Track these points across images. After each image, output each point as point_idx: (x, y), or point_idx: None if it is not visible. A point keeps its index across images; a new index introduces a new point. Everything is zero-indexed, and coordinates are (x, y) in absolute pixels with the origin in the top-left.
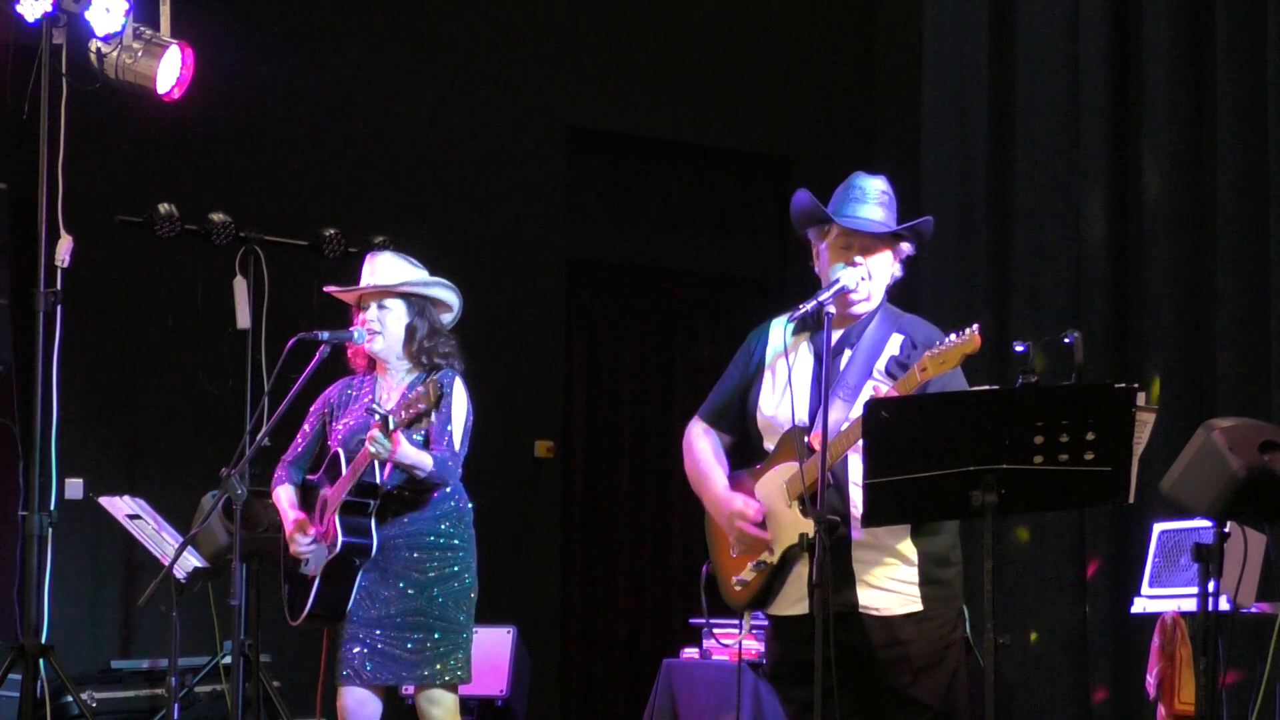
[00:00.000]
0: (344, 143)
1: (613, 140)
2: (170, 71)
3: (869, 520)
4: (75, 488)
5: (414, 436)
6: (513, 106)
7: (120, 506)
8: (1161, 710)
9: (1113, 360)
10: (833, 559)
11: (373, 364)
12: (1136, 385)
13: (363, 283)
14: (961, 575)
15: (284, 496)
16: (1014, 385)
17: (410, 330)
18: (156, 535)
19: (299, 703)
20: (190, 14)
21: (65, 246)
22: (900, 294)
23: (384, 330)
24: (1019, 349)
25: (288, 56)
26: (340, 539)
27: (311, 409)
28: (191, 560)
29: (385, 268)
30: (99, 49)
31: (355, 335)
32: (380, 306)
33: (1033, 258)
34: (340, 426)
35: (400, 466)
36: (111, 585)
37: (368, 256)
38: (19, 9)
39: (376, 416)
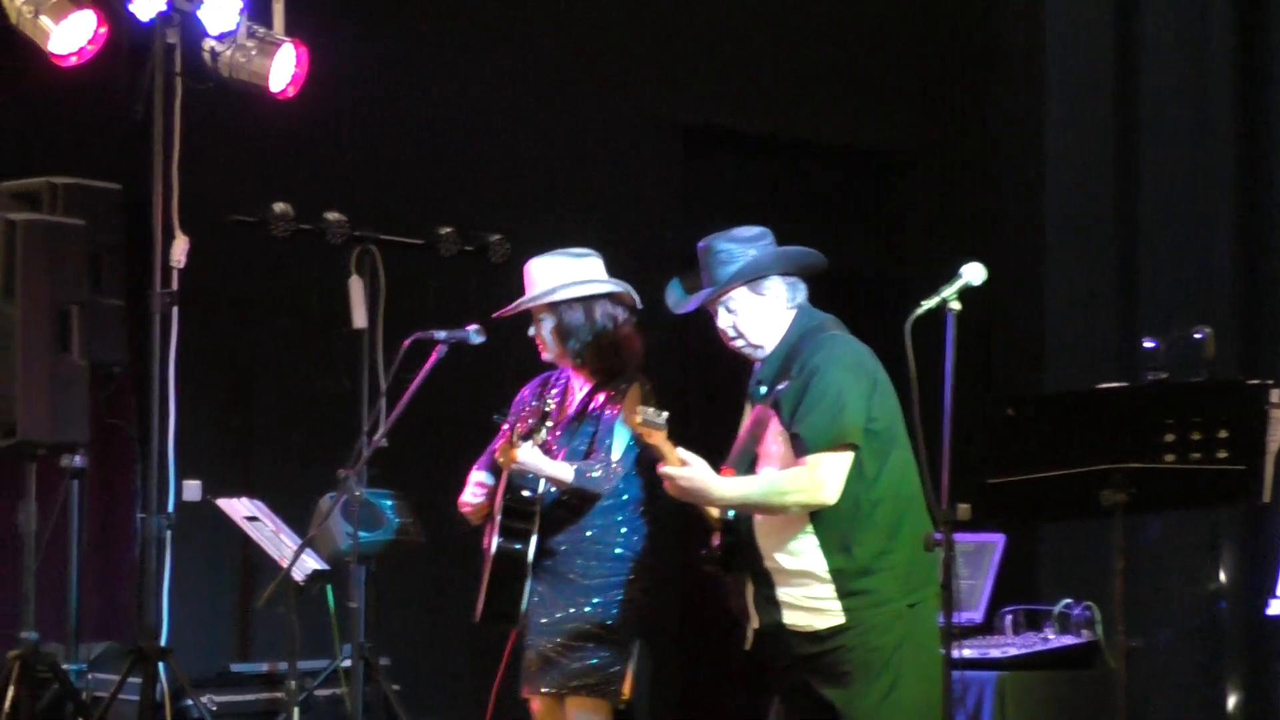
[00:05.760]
0: (460, 141)
1: (728, 137)
2: (284, 70)
3: (990, 520)
4: (193, 489)
5: (577, 445)
6: (628, 105)
7: (238, 508)
8: None
9: (1244, 356)
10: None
11: None
12: (1271, 381)
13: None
14: (896, 576)
15: (471, 478)
16: (1143, 382)
17: (560, 335)
18: (274, 537)
19: (419, 706)
20: (303, 11)
21: (180, 247)
22: (1029, 294)
23: (547, 342)
24: (1148, 345)
25: (401, 53)
26: (495, 542)
27: (513, 403)
28: (310, 562)
29: (530, 279)
30: (213, 48)
31: (471, 335)
32: (536, 319)
33: (1160, 252)
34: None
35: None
36: (229, 588)
37: (527, 263)
38: (132, 8)
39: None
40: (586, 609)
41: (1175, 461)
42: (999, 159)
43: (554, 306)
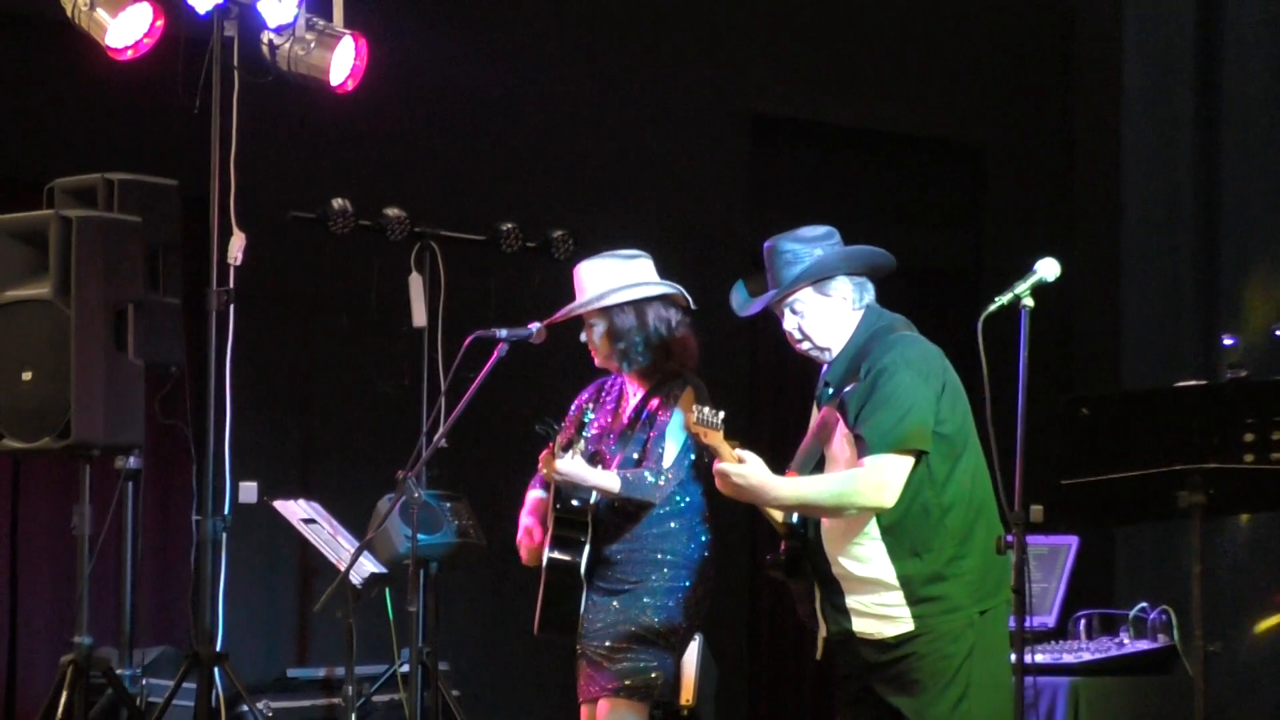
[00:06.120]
0: (520, 134)
1: (798, 128)
2: (343, 63)
3: (1064, 522)
4: (249, 491)
5: (631, 452)
6: (694, 94)
7: (295, 510)
8: None
9: None
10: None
11: None
12: None
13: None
14: (968, 583)
15: (527, 501)
16: (1222, 380)
17: (612, 339)
18: (332, 540)
19: (478, 712)
20: (363, 4)
21: (238, 244)
22: (1105, 290)
23: (598, 347)
24: (1227, 342)
25: (462, 46)
26: (546, 554)
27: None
28: (368, 565)
29: (580, 283)
30: (271, 41)
31: (533, 334)
32: (588, 325)
33: (1239, 247)
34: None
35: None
36: (286, 591)
37: (577, 266)
38: (190, 1)
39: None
40: (634, 611)
41: (1255, 462)
42: (1076, 152)
43: (605, 311)
